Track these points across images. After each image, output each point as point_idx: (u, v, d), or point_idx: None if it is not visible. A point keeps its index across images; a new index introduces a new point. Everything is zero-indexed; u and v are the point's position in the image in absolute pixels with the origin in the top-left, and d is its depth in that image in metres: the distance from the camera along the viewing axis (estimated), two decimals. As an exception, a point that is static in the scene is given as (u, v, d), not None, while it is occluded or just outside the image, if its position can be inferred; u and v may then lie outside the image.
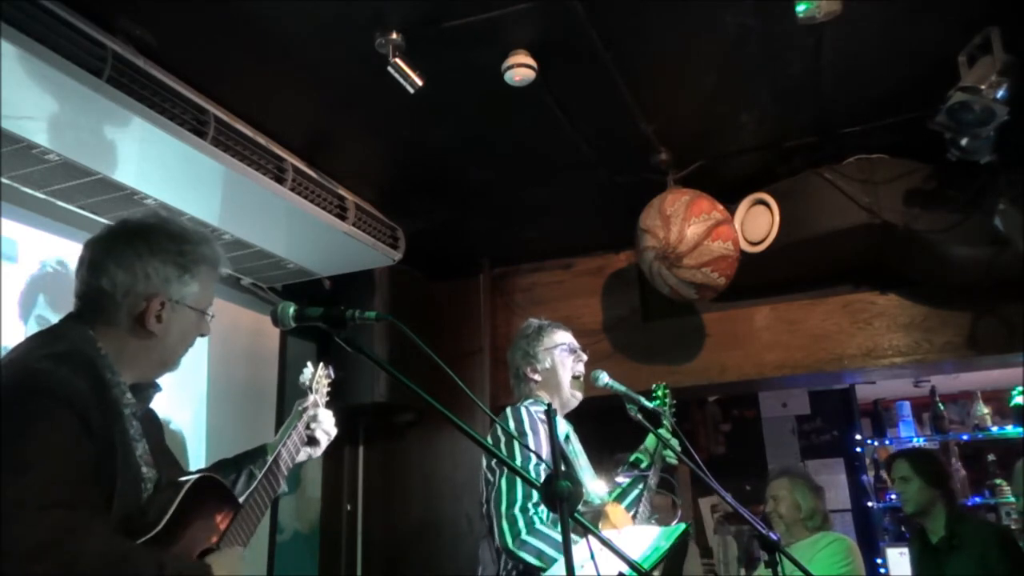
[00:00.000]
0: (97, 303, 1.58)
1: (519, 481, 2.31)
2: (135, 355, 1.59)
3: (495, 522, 2.31)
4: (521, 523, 2.27)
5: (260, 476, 1.76)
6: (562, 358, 2.67)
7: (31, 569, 1.20)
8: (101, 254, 1.60)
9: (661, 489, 2.73)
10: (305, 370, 2.06)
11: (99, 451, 1.39)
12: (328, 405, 2.08)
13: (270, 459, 1.82)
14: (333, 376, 2.13)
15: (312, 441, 2.00)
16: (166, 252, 1.61)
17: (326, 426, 2.02)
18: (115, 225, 1.67)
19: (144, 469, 1.50)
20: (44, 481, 1.27)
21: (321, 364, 2.10)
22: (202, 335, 1.72)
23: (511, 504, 2.30)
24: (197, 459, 3.27)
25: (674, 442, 2.67)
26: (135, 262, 1.58)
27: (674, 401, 2.90)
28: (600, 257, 4.51)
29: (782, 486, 3.49)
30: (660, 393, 2.86)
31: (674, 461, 2.74)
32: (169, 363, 1.67)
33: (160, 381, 1.70)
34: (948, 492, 3.34)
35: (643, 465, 2.78)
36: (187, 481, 1.54)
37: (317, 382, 2.06)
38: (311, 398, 2.02)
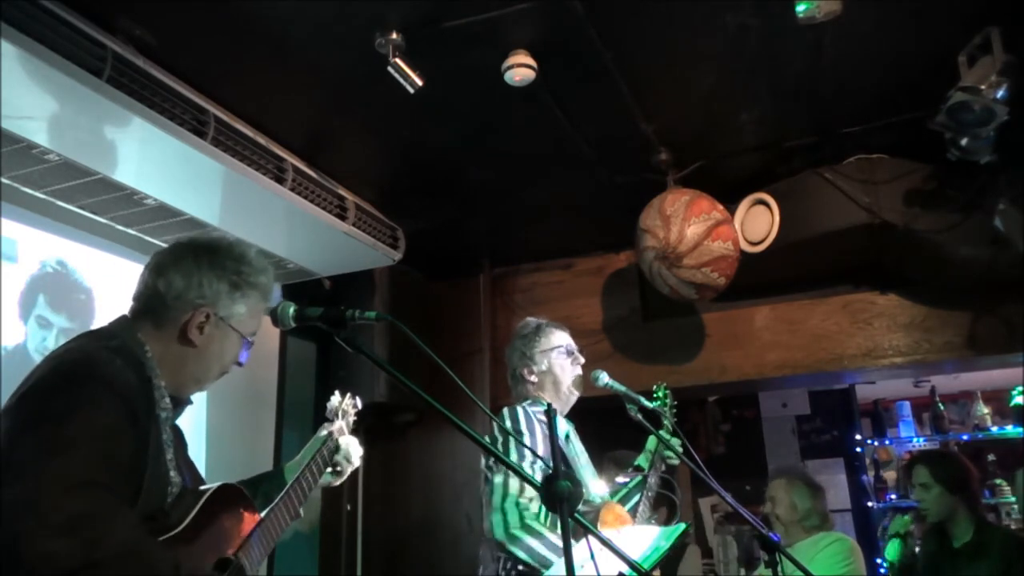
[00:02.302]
0: (150, 305, 1.64)
1: (514, 476, 2.31)
2: (174, 364, 1.62)
3: (486, 513, 2.33)
4: (512, 516, 2.27)
5: (280, 497, 1.75)
6: (559, 360, 2.66)
7: (56, 543, 1.22)
8: (166, 260, 1.67)
9: (663, 490, 2.73)
10: (333, 398, 2.08)
11: (137, 445, 1.43)
12: (352, 433, 2.09)
13: (291, 481, 1.81)
14: (360, 406, 2.13)
15: (335, 469, 2.00)
16: (224, 268, 1.66)
17: (351, 454, 2.02)
18: (186, 238, 1.75)
19: (172, 473, 1.53)
20: (85, 461, 1.30)
21: (349, 394, 2.11)
22: (239, 364, 1.74)
23: (504, 497, 2.31)
24: (197, 460, 3.23)
25: (675, 442, 2.66)
26: (194, 271, 1.64)
27: (675, 402, 2.90)
28: (600, 257, 4.51)
29: (779, 487, 3.48)
30: (661, 394, 2.86)
31: (675, 462, 2.74)
32: (202, 380, 1.70)
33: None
34: (971, 497, 3.27)
35: (645, 469, 2.78)
36: (211, 488, 1.56)
37: (344, 410, 2.07)
38: (337, 424, 2.03)
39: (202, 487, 1.60)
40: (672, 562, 4.04)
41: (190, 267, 1.64)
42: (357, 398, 2.14)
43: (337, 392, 2.10)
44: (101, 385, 1.41)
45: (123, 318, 1.66)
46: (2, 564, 1.22)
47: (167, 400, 1.57)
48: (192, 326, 1.62)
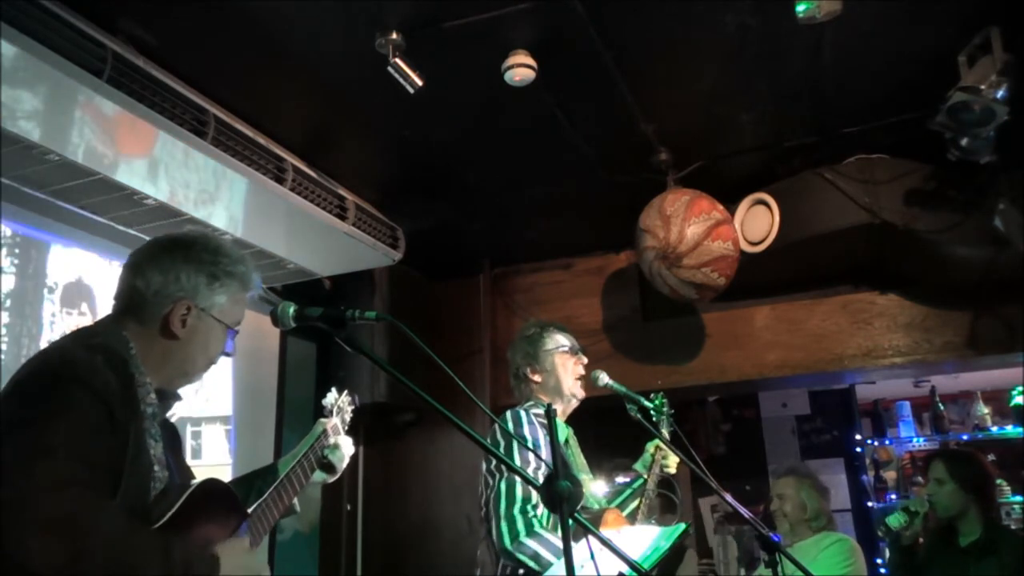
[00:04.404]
0: (131, 303, 1.65)
1: (519, 482, 2.31)
2: (159, 358, 1.64)
3: (494, 522, 2.31)
4: (520, 524, 2.26)
5: (268, 492, 1.76)
6: (563, 360, 2.67)
7: (44, 542, 1.25)
8: (143, 258, 1.69)
9: (663, 490, 2.73)
10: (329, 395, 2.09)
11: (117, 442, 1.44)
12: (350, 432, 2.10)
13: (281, 475, 1.83)
14: (357, 404, 2.14)
15: (328, 466, 2.02)
16: (201, 261, 1.68)
17: (343, 452, 2.04)
18: (162, 236, 1.77)
19: (156, 468, 1.53)
20: (67, 461, 1.33)
21: (345, 392, 2.12)
22: (227, 354, 1.75)
23: (510, 504, 2.30)
24: (197, 459, 3.27)
25: (672, 460, 2.68)
26: (170, 266, 1.66)
27: (672, 411, 2.88)
28: (600, 257, 4.51)
29: (788, 484, 3.47)
30: (658, 403, 2.84)
31: (672, 470, 2.74)
32: (190, 372, 1.71)
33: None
34: (985, 497, 3.21)
35: (644, 472, 2.78)
36: (194, 483, 1.56)
37: (340, 407, 2.08)
38: (332, 422, 2.04)
39: (190, 483, 1.60)
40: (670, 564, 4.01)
41: (167, 262, 1.66)
42: (355, 395, 2.14)
43: (334, 389, 2.11)
44: (78, 384, 1.42)
45: (108, 317, 1.68)
46: None
47: (152, 396, 1.57)
48: (174, 319, 1.63)
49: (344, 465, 2.05)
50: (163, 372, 1.64)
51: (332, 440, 2.02)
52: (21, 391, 1.46)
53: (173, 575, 1.36)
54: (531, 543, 2.24)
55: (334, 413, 2.07)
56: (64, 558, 1.25)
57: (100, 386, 1.44)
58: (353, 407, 2.14)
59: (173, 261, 1.66)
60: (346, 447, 2.05)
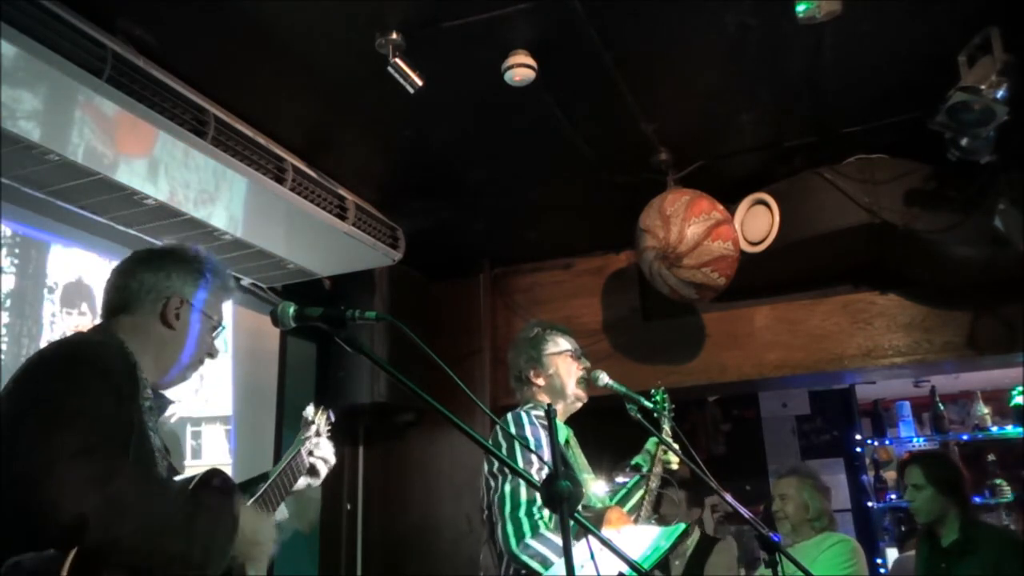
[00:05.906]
0: (125, 303, 1.76)
1: (523, 484, 2.30)
2: (155, 351, 1.74)
3: (500, 524, 2.30)
4: (527, 526, 2.25)
5: (259, 494, 1.84)
6: (566, 363, 2.66)
7: (78, 501, 1.29)
8: (132, 264, 1.83)
9: (661, 489, 2.73)
10: (308, 408, 2.17)
11: (125, 423, 1.53)
12: (332, 438, 2.17)
13: (270, 479, 1.91)
14: (333, 419, 2.21)
15: (312, 471, 2.08)
16: (186, 262, 1.84)
17: (325, 454, 2.11)
18: (143, 248, 1.93)
19: (157, 455, 1.60)
20: (86, 431, 1.40)
21: (322, 407, 2.19)
22: (211, 355, 1.88)
23: (516, 507, 2.28)
24: (197, 459, 3.27)
25: (672, 457, 2.68)
26: (160, 266, 1.81)
27: (673, 405, 2.89)
28: (600, 257, 4.51)
29: (790, 485, 3.47)
30: (659, 398, 2.85)
31: (675, 466, 2.74)
32: (184, 365, 1.82)
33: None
34: (962, 499, 3.25)
35: (644, 469, 2.78)
36: (197, 475, 1.60)
37: (318, 417, 2.15)
38: (312, 429, 2.11)
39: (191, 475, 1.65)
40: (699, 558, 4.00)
41: (156, 264, 1.81)
42: (330, 412, 2.20)
43: (311, 405, 2.17)
44: (90, 366, 1.52)
45: (100, 323, 1.79)
46: (18, 534, 1.31)
47: (149, 391, 1.66)
48: (169, 312, 1.76)
49: (327, 468, 2.11)
50: (158, 365, 1.75)
51: (316, 442, 2.09)
52: (36, 373, 1.54)
53: (200, 529, 1.43)
54: (537, 545, 2.23)
55: (314, 422, 2.12)
56: (100, 516, 1.30)
57: (108, 366, 1.54)
58: (330, 425, 2.19)
59: (162, 262, 1.81)
60: (327, 449, 2.10)
